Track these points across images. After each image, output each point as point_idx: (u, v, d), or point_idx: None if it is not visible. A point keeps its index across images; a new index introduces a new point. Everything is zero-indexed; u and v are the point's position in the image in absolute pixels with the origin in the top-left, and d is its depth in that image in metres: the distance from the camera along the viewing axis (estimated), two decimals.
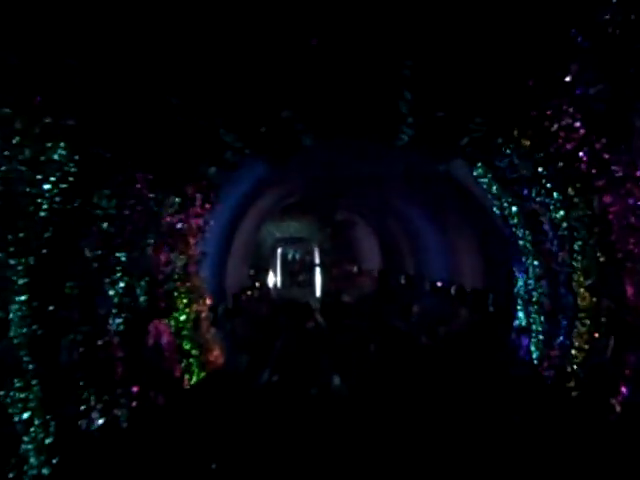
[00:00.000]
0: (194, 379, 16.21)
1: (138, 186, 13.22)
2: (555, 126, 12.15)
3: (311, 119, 14.27)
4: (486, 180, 17.76)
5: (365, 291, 34.34)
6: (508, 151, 14.97)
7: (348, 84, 12.19)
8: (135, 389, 12.99)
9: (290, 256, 38.41)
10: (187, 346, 16.41)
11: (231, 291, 23.01)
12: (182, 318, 16.45)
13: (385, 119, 14.25)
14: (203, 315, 17.99)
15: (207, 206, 16.86)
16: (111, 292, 12.81)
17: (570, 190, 12.89)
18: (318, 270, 37.55)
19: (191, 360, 16.36)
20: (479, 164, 17.70)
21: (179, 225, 15.83)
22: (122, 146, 11.82)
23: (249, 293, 26.97)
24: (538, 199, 14.63)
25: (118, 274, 12.97)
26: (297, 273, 38.08)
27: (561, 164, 12.71)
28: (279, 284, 37.90)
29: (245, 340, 20.58)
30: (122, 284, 13.08)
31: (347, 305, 30.44)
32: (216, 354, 18.16)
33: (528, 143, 13.81)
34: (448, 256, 26.12)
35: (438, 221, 26.14)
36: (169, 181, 14.83)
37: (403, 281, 30.88)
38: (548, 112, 12.15)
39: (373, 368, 17.84)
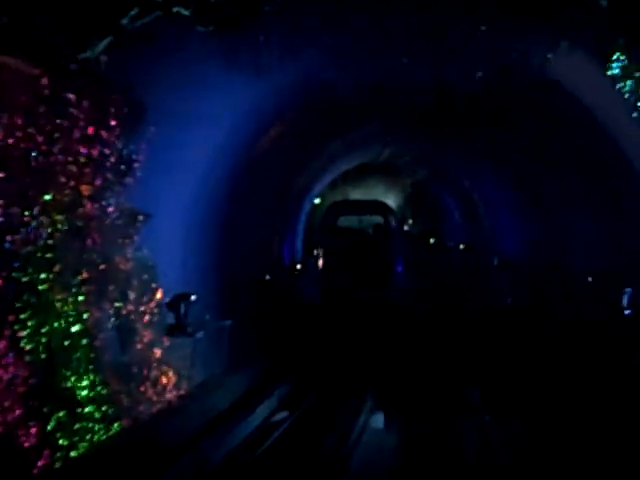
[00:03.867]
0: (75, 454, 8.63)
1: None
2: None
3: None
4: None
5: (446, 275, 26.28)
6: None
7: None
8: None
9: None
10: (78, 381, 8.97)
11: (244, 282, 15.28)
12: (75, 329, 9.04)
13: None
14: (145, 319, 10.56)
15: (113, 123, 9.29)
16: None
17: None
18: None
19: (84, 411, 8.89)
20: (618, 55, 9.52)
21: (41, 156, 8.37)
22: None
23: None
24: None
25: None
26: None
27: None
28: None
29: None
30: None
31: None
32: (168, 385, 10.66)
33: None
34: (550, 227, 17.61)
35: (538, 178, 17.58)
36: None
37: (496, 262, 21.78)
38: None
39: None
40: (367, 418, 11.02)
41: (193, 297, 11.14)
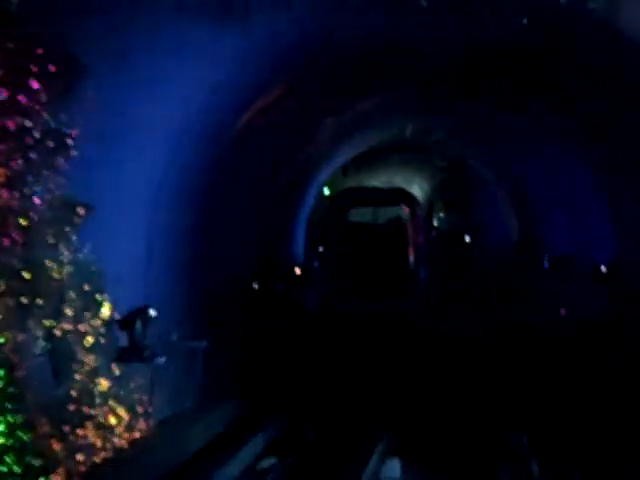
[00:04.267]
0: None
1: None
2: None
3: None
4: None
5: (485, 278, 22.52)
6: None
7: None
8: None
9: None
10: None
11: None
12: None
13: None
14: (87, 341, 8.27)
15: (36, 86, 7.03)
16: None
17: None
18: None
19: None
20: None
21: None
22: None
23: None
24: None
25: None
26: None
27: None
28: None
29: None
30: None
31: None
32: (118, 426, 8.35)
33: None
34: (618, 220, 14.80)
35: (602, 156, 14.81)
36: None
37: (547, 264, 18.16)
38: None
39: None
40: (378, 465, 8.68)
41: (152, 312, 8.85)
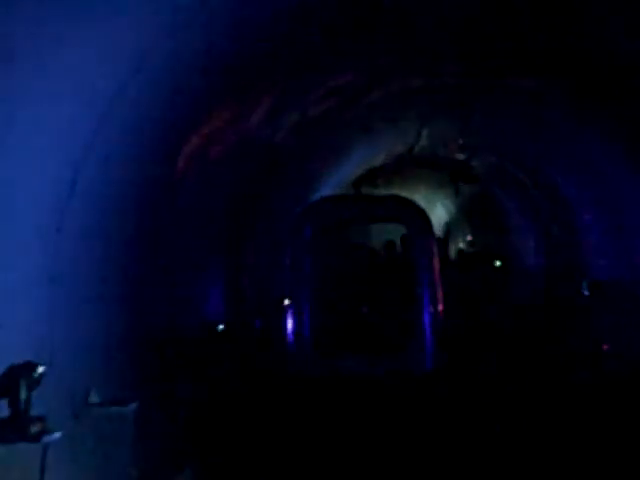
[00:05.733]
0: None
1: None
2: None
3: None
4: None
5: (519, 306, 18.17)
6: None
7: None
8: None
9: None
10: None
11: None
12: None
13: None
14: None
15: None
16: None
17: None
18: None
19: None
20: None
21: None
22: None
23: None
24: None
25: None
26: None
27: None
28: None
29: None
30: None
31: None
32: None
33: None
34: None
35: None
36: None
37: (586, 291, 14.91)
38: None
39: None
40: None
41: (41, 369, 5.95)
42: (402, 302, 11.85)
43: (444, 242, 21.10)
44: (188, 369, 8.54)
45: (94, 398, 7.09)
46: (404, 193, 18.75)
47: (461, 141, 16.38)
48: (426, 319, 11.28)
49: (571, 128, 13.63)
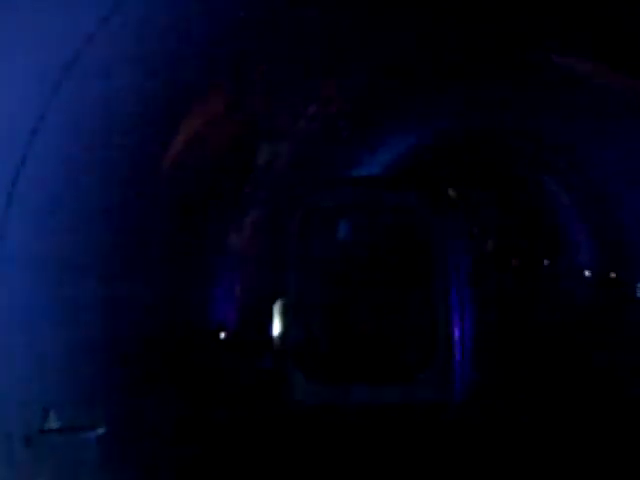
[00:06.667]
0: None
1: None
2: None
3: None
4: None
5: (570, 311, 16.66)
6: None
7: None
8: None
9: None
10: None
11: None
12: None
13: None
14: None
15: None
16: None
17: None
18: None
19: None
20: None
21: None
22: None
23: None
24: None
25: None
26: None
27: None
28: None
29: None
30: None
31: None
32: None
33: None
34: None
35: None
36: None
37: None
38: None
39: None
40: None
41: None
42: (417, 309, 9.35)
43: (479, 235, 18.91)
44: (170, 383, 7.27)
45: (53, 422, 5.88)
46: None
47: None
48: (454, 331, 8.67)
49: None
